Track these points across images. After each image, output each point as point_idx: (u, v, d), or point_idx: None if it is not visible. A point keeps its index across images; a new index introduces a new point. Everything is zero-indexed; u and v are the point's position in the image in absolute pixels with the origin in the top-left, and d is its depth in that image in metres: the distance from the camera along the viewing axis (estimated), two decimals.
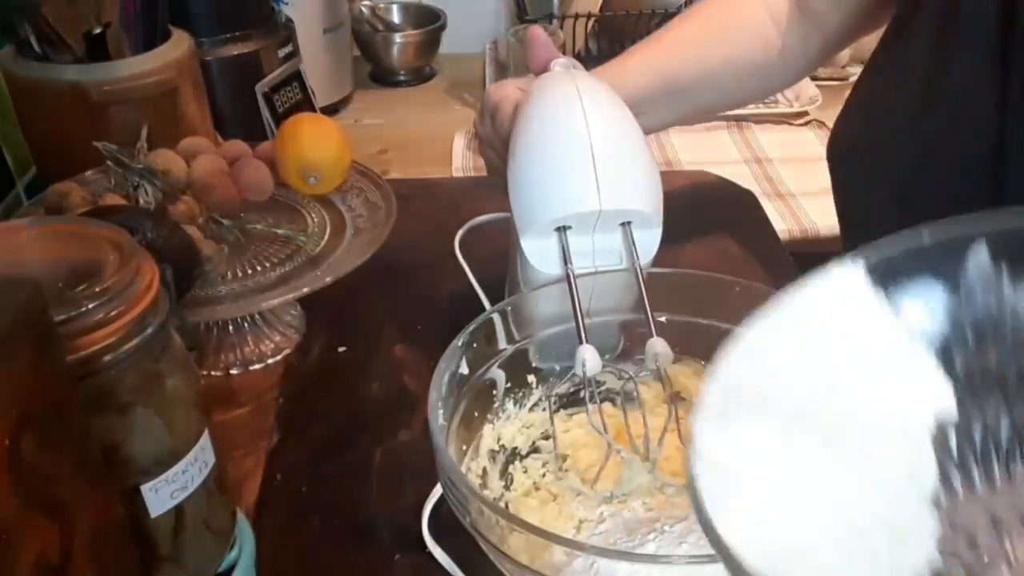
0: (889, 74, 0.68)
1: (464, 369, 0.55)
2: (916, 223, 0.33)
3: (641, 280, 0.55)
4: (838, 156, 0.73)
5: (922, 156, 0.63)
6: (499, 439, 0.59)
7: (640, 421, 0.55)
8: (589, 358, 0.52)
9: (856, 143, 0.71)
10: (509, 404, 0.59)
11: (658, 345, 0.54)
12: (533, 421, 0.61)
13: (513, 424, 0.60)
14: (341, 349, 0.74)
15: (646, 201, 0.56)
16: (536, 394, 0.61)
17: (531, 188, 0.57)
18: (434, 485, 0.57)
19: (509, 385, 0.59)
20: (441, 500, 0.55)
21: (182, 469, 0.43)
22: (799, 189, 1.15)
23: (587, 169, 0.55)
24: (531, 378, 0.60)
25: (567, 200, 0.55)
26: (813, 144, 1.26)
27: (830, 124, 1.29)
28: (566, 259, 0.55)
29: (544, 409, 0.61)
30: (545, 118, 0.58)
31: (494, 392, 0.59)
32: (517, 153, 0.58)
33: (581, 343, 0.53)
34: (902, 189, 0.65)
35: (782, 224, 1.06)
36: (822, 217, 1.08)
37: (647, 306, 0.55)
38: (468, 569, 0.54)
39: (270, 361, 0.72)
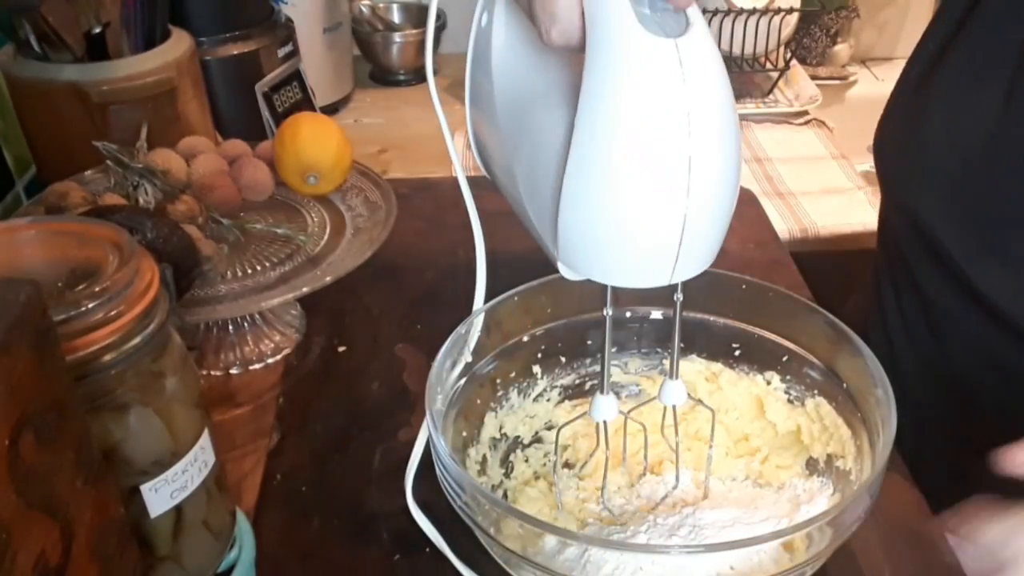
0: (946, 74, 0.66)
1: (467, 356, 0.55)
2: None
3: (678, 319, 0.49)
4: (881, 149, 0.73)
5: (993, 165, 0.62)
6: (501, 427, 0.59)
7: (645, 413, 0.55)
8: (608, 413, 0.50)
9: (900, 139, 0.70)
10: (513, 394, 0.60)
11: (672, 395, 0.51)
12: (537, 412, 0.61)
13: (516, 414, 0.60)
14: (341, 349, 0.74)
15: (718, 248, 0.44)
16: (540, 384, 0.61)
17: (585, 231, 0.42)
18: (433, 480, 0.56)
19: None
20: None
21: (182, 469, 0.43)
22: (799, 188, 1.15)
23: (670, 243, 0.40)
24: (536, 368, 0.60)
25: (630, 273, 0.42)
26: (813, 143, 1.26)
27: (830, 123, 1.30)
28: (604, 301, 0.47)
29: (548, 400, 0.61)
30: (630, 135, 0.38)
31: (498, 381, 0.58)
32: (577, 167, 0.40)
33: (602, 392, 0.50)
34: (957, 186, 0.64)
35: (782, 224, 1.06)
36: (822, 217, 1.09)
37: (676, 343, 0.50)
38: (451, 541, 0.53)
39: (270, 361, 0.72)
